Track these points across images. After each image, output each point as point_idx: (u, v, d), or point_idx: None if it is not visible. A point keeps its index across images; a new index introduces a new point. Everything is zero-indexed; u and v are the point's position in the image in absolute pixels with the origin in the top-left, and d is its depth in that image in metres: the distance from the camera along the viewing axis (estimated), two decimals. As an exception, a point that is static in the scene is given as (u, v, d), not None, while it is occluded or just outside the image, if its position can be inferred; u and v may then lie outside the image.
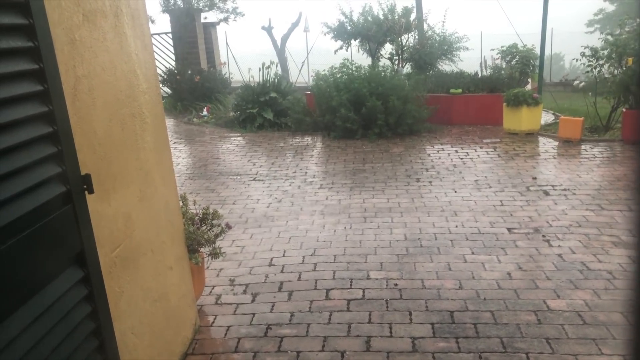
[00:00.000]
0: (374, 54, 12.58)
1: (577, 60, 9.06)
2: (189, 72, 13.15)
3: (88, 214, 1.97)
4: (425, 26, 12.76)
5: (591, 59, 8.67)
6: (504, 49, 11.12)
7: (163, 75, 13.38)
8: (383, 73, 9.94)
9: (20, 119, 1.63)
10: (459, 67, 11.91)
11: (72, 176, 1.86)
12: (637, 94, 7.86)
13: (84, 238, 1.92)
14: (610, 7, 30.23)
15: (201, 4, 14.66)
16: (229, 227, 3.88)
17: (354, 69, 9.92)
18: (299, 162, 7.93)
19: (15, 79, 1.62)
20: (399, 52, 11.96)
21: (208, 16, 15.11)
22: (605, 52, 8.51)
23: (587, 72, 8.87)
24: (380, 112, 8.93)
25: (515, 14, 16.94)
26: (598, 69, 8.64)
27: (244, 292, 3.97)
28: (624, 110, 8.19)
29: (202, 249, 3.66)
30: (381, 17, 12.27)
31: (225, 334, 3.42)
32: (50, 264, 1.76)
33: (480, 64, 11.78)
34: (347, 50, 13.34)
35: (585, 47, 8.75)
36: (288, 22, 19.25)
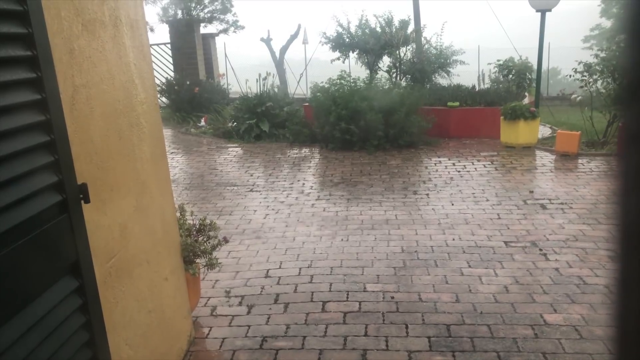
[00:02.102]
0: (372, 67, 12.63)
1: (570, 76, 9.12)
2: (187, 82, 13.18)
3: (84, 223, 1.96)
4: (423, 40, 12.80)
5: (585, 74, 8.72)
6: (501, 62, 11.19)
7: (161, 85, 13.40)
8: (381, 87, 9.99)
9: (17, 127, 1.63)
10: (456, 80, 11.94)
11: (68, 185, 1.85)
12: (624, 106, 7.89)
13: (79, 248, 1.91)
14: (606, 23, 30.49)
15: (201, 15, 14.73)
16: (226, 240, 3.87)
17: (350, 81, 9.94)
18: (297, 174, 7.93)
19: (13, 88, 1.62)
20: (397, 65, 12.01)
21: (207, 28, 15.19)
22: (599, 67, 8.56)
23: (582, 87, 8.93)
24: (380, 124, 8.96)
25: (512, 29, 17.07)
26: (592, 83, 8.69)
27: (240, 303, 3.95)
28: (620, 124, 8.22)
29: (198, 260, 3.64)
30: (378, 29, 12.33)
31: (220, 346, 3.39)
32: (44, 273, 1.75)
33: (478, 77, 11.84)
34: (344, 62, 13.40)
35: (579, 63, 8.81)
36: (287, 34, 19.34)
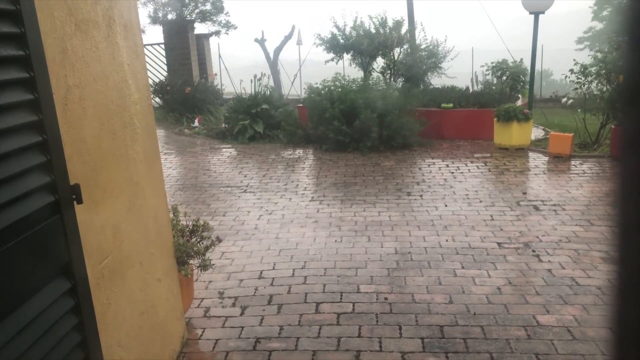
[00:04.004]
0: (366, 68, 12.64)
1: (566, 77, 9.15)
2: (180, 82, 13.14)
3: (76, 224, 1.95)
4: (417, 35, 12.76)
5: (580, 76, 8.76)
6: (494, 64, 11.22)
7: (154, 86, 13.35)
8: (378, 86, 10.01)
9: (10, 127, 1.62)
10: (450, 82, 11.95)
11: (60, 186, 1.84)
12: (622, 111, 7.94)
13: (72, 249, 1.90)
14: (599, 25, 30.68)
15: (194, 16, 14.70)
16: (219, 240, 3.86)
17: (346, 82, 9.96)
18: (290, 175, 7.92)
19: (5, 87, 1.61)
20: (391, 66, 12.02)
21: (200, 28, 15.16)
22: (594, 69, 8.60)
23: (576, 88, 8.97)
24: (375, 125, 8.96)
25: (506, 30, 17.14)
26: (587, 85, 8.74)
27: (233, 305, 3.94)
28: (612, 126, 8.28)
29: (191, 261, 3.63)
30: (373, 30, 12.34)
31: (214, 348, 3.38)
32: (36, 274, 1.74)
33: (471, 79, 11.86)
34: (337, 64, 13.39)
35: (575, 64, 8.85)
36: (281, 35, 19.35)
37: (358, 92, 9.44)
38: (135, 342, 2.63)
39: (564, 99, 9.72)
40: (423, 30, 12.33)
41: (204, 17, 15.00)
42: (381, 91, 9.70)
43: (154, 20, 14.24)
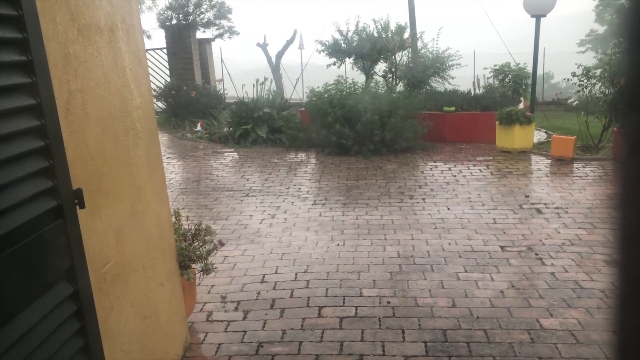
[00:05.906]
0: (368, 72, 12.66)
1: (568, 80, 9.15)
2: (185, 87, 13.17)
3: (79, 229, 1.95)
4: (419, 44, 12.79)
5: (582, 78, 8.75)
6: (497, 67, 11.22)
7: (158, 90, 13.38)
8: (379, 90, 10.01)
9: (12, 132, 1.62)
10: (452, 85, 11.96)
11: (63, 191, 1.84)
12: (624, 113, 7.92)
13: (74, 253, 1.90)
14: (601, 29, 30.66)
15: (197, 21, 14.74)
16: (221, 244, 3.85)
17: (347, 86, 9.97)
18: (293, 178, 7.93)
19: (7, 93, 1.61)
20: (393, 70, 12.03)
21: (204, 33, 15.22)
22: (598, 71, 8.59)
23: (578, 91, 8.95)
24: (377, 128, 8.97)
25: (508, 33, 17.15)
26: (589, 88, 8.72)
27: (236, 309, 3.94)
28: (615, 129, 8.26)
29: (193, 265, 3.63)
30: (375, 34, 12.36)
31: (216, 352, 3.38)
32: (39, 279, 1.74)
33: (473, 82, 11.86)
34: (339, 68, 13.41)
35: (578, 67, 8.84)
36: (283, 39, 19.41)
37: (360, 96, 9.45)
38: (137, 346, 2.63)
39: (570, 100, 9.71)
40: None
41: (208, 22, 15.05)
42: (383, 94, 9.71)
43: (163, 23, 14.28)
